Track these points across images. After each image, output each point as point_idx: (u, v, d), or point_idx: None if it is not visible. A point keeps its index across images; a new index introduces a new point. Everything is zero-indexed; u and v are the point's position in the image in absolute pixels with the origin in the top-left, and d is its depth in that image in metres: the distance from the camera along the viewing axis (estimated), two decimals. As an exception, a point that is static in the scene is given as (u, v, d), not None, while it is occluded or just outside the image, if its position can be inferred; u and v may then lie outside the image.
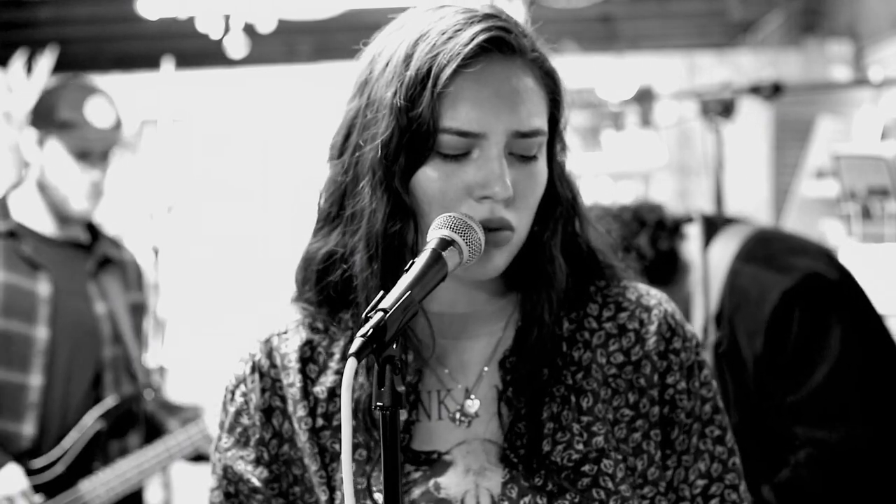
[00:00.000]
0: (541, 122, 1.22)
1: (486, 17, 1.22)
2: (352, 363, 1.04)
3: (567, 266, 1.31)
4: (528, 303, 1.29)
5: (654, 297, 1.35)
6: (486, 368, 1.29)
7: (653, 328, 1.31)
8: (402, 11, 1.29)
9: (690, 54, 5.95)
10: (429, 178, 1.21)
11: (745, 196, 5.75)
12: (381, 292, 1.09)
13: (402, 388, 1.07)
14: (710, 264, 2.21)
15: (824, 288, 2.11)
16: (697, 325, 2.27)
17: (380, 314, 1.06)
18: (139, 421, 2.90)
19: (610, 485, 1.24)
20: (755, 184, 5.73)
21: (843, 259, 3.04)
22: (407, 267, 1.12)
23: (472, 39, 1.19)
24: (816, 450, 2.10)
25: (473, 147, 1.20)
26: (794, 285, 2.10)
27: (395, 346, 1.06)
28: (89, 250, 2.88)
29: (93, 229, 2.93)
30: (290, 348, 1.32)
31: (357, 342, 1.04)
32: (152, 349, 3.15)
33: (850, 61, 5.12)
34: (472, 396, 1.28)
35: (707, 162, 3.62)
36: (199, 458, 2.90)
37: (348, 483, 1.06)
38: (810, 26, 6.00)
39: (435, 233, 1.16)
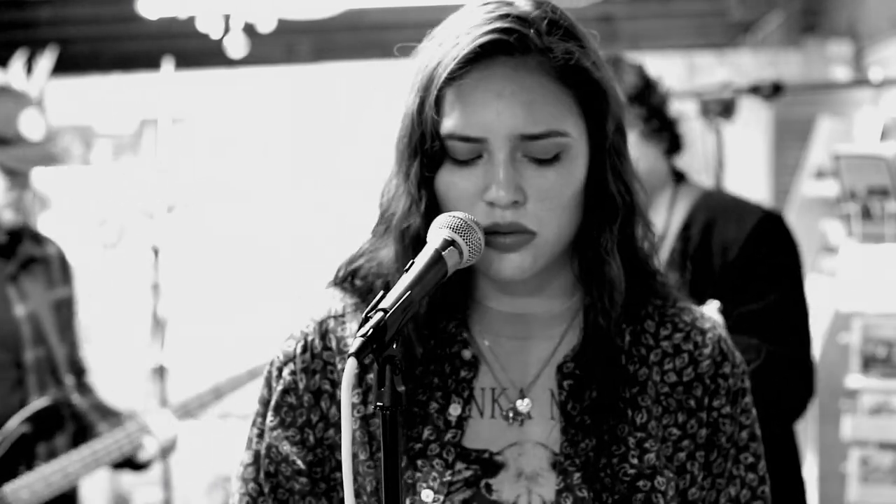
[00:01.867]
0: (558, 121, 1.19)
1: (500, 17, 1.20)
2: (351, 363, 1.04)
3: (626, 272, 1.30)
4: (587, 307, 1.28)
5: (709, 320, 1.36)
6: (543, 371, 1.29)
7: (707, 351, 1.32)
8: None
9: (690, 54, 5.95)
10: (444, 182, 1.22)
11: (745, 196, 5.74)
12: (382, 292, 1.10)
13: (402, 388, 1.07)
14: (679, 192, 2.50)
15: (789, 228, 2.45)
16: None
17: (380, 314, 1.06)
18: (66, 422, 2.85)
19: (661, 502, 1.25)
20: (755, 184, 5.73)
21: (843, 259, 3.04)
22: (407, 267, 1.13)
23: (471, 44, 1.18)
24: (765, 360, 2.23)
25: (482, 151, 1.20)
26: (775, 213, 2.45)
27: (395, 346, 1.06)
28: (10, 253, 2.82)
29: (13, 230, 2.84)
30: (347, 333, 1.30)
31: (357, 342, 1.04)
32: (83, 343, 3.11)
33: (850, 61, 5.12)
34: (525, 396, 1.27)
35: (707, 162, 3.62)
36: (127, 464, 2.85)
37: (348, 483, 1.06)
38: (810, 26, 6.00)
39: (436, 232, 1.16)
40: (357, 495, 1.27)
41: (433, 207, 1.24)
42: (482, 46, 1.18)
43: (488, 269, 1.22)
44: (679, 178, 2.51)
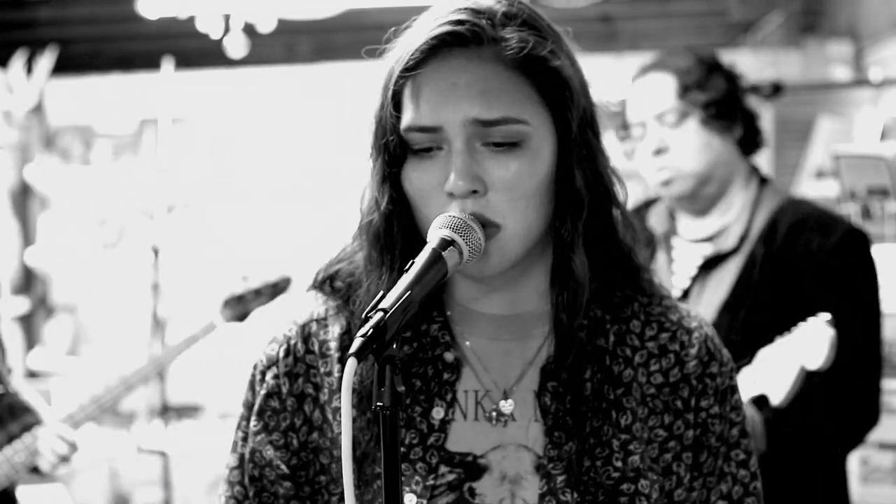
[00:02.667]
0: (514, 109, 1.19)
1: (456, 10, 1.21)
2: (352, 363, 1.04)
3: (603, 267, 1.29)
4: (554, 305, 1.27)
5: (695, 319, 1.34)
6: (526, 372, 1.28)
7: (693, 351, 1.31)
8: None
9: (690, 54, 5.93)
10: (408, 177, 1.23)
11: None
12: (381, 292, 1.10)
13: (402, 388, 1.06)
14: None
15: (871, 245, 2.40)
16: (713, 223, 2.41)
17: (380, 314, 1.06)
18: (5, 415, 2.80)
19: None
20: (755, 184, 5.72)
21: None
22: (407, 267, 1.13)
23: (425, 36, 1.19)
24: (829, 389, 2.23)
25: (441, 143, 1.20)
26: (859, 229, 2.39)
27: (394, 346, 1.06)
28: None
29: None
30: (329, 336, 1.30)
31: (357, 342, 1.04)
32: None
33: (850, 61, 5.12)
34: (508, 398, 1.27)
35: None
36: (34, 470, 2.76)
37: (348, 483, 1.05)
38: (810, 26, 5.99)
39: (435, 233, 1.16)
40: (342, 498, 1.26)
41: (398, 204, 1.24)
42: (436, 38, 1.19)
43: (458, 265, 1.20)
44: (763, 180, 2.45)
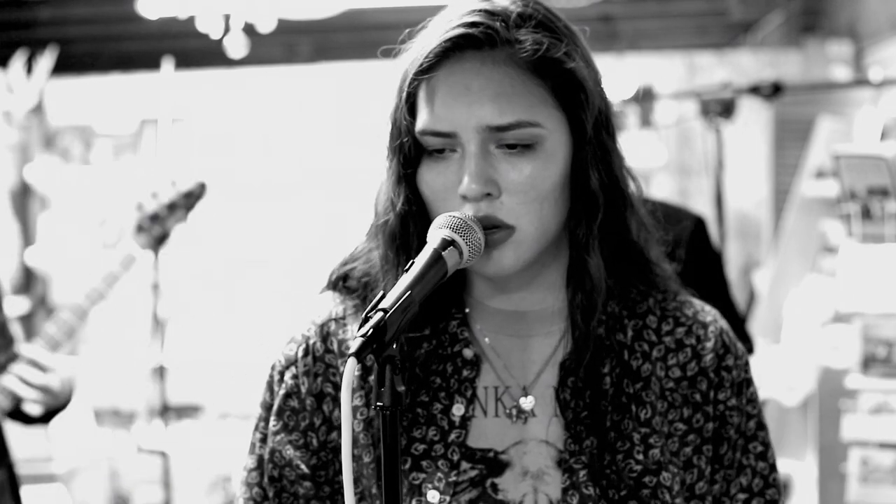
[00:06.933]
0: (528, 112, 1.19)
1: (471, 12, 1.21)
2: (351, 363, 1.04)
3: (618, 265, 1.30)
4: (569, 304, 1.28)
5: (710, 313, 1.36)
6: (545, 368, 1.29)
7: (709, 345, 1.32)
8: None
9: (690, 54, 5.94)
10: (423, 179, 1.23)
11: (745, 196, 5.75)
12: (381, 292, 1.10)
13: (402, 388, 1.06)
14: None
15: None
16: None
17: (379, 314, 1.06)
18: None
19: (668, 497, 1.25)
20: (755, 184, 5.73)
21: (843, 259, 3.04)
22: (407, 267, 1.13)
23: (440, 39, 1.19)
24: None
25: (455, 146, 1.20)
26: (702, 218, 2.61)
27: (395, 346, 1.06)
28: None
29: None
30: (349, 335, 1.30)
31: (357, 342, 1.04)
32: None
33: (850, 61, 5.12)
34: (528, 394, 1.27)
35: (707, 162, 3.63)
36: (18, 416, 2.45)
37: (348, 483, 1.06)
38: (810, 26, 6.00)
39: (435, 232, 1.16)
40: (361, 498, 1.27)
41: (414, 205, 1.25)
42: (449, 41, 1.19)
43: (473, 265, 1.21)
44: None
